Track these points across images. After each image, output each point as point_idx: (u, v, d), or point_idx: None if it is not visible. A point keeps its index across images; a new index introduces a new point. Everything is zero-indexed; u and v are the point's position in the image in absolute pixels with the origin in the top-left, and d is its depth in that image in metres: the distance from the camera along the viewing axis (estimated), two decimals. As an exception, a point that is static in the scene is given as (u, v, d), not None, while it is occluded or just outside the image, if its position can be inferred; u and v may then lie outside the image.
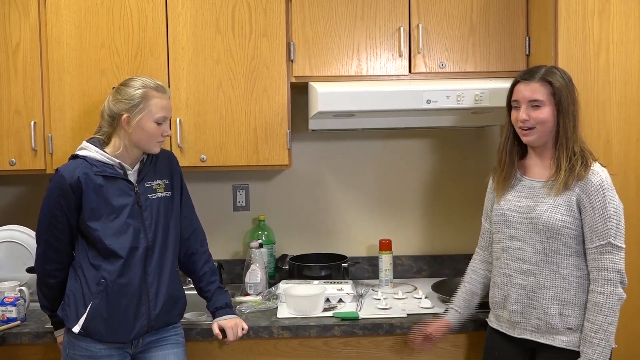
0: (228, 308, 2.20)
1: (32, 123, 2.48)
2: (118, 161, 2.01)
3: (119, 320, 1.97)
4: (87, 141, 2.04)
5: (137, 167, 2.06)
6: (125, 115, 1.98)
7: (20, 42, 2.48)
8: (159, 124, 2.02)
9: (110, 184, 1.98)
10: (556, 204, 1.90)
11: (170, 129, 2.29)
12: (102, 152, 2.00)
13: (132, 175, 2.04)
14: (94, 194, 1.95)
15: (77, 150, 2.03)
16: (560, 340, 1.91)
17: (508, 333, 2.02)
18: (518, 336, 1.99)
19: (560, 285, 1.91)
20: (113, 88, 2.06)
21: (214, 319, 2.19)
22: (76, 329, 1.95)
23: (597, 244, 1.86)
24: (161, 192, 2.08)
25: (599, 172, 1.88)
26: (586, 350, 1.85)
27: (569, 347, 1.90)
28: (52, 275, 2.03)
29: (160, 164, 2.12)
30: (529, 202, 1.97)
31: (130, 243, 1.97)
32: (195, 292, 2.26)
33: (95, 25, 2.48)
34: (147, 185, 2.05)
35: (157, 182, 2.09)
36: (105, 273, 1.95)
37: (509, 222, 2.00)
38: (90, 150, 2.00)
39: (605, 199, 1.86)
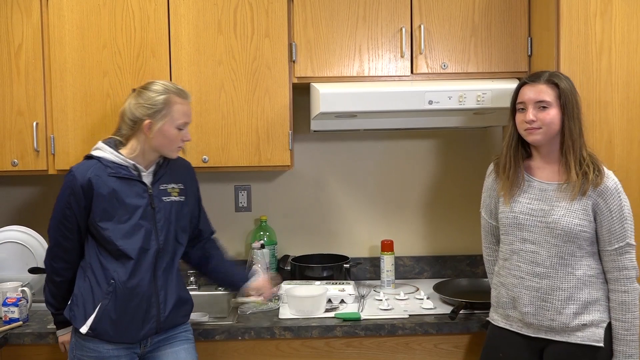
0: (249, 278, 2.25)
1: (35, 124, 2.49)
2: (133, 163, 2.00)
3: (128, 322, 1.96)
4: (103, 142, 2.03)
5: (152, 168, 2.05)
6: (147, 121, 1.97)
7: (23, 43, 2.49)
8: (180, 129, 2.01)
9: (124, 185, 1.97)
10: (573, 208, 1.92)
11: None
12: (116, 153, 1.99)
13: (146, 177, 2.02)
14: (106, 195, 1.94)
15: (92, 150, 2.02)
16: (575, 337, 1.93)
17: (521, 332, 2.02)
18: (533, 335, 2.00)
19: (575, 285, 1.93)
20: (133, 90, 2.04)
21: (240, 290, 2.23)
22: (84, 329, 1.94)
23: (616, 246, 1.91)
24: (175, 196, 2.07)
25: (612, 177, 1.94)
26: (621, 348, 1.90)
27: (584, 342, 1.93)
28: (59, 273, 2.02)
29: (177, 169, 2.11)
30: (543, 206, 1.96)
31: (141, 244, 1.96)
32: (197, 292, 2.26)
33: (97, 26, 2.49)
34: (162, 187, 2.04)
35: (172, 185, 2.08)
36: (115, 274, 1.94)
37: (522, 225, 1.99)
38: (104, 151, 1.99)
39: (621, 202, 1.91)
